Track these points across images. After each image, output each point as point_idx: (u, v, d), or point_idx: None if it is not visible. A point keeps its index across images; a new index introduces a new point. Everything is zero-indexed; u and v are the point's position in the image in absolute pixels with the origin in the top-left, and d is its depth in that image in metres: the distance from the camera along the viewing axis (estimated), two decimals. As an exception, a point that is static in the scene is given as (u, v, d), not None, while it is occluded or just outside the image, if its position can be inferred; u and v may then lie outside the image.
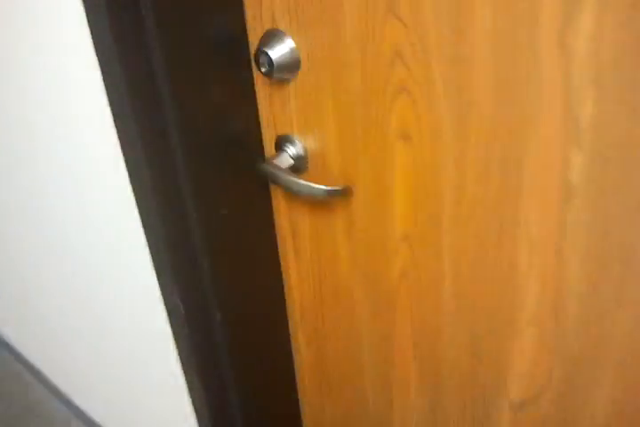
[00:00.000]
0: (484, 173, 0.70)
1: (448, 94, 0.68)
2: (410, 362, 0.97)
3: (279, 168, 0.86)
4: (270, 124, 0.89)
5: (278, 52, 0.78)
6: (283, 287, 1.09)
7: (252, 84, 0.86)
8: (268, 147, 0.92)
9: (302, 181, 0.83)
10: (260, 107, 0.88)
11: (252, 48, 0.83)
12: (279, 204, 0.98)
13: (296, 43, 0.78)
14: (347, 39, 0.73)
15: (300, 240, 0.99)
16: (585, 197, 0.63)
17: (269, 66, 0.78)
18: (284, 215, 0.99)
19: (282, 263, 1.05)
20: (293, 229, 0.99)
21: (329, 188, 0.83)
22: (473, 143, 0.69)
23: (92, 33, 0.75)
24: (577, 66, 0.56)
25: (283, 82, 0.83)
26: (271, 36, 0.79)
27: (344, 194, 0.85)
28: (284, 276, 1.07)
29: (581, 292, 0.70)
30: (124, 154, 0.83)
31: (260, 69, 0.80)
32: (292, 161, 0.88)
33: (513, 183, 0.68)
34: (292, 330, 1.15)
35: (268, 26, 0.80)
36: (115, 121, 0.81)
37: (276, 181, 0.87)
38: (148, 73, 0.77)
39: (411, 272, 0.87)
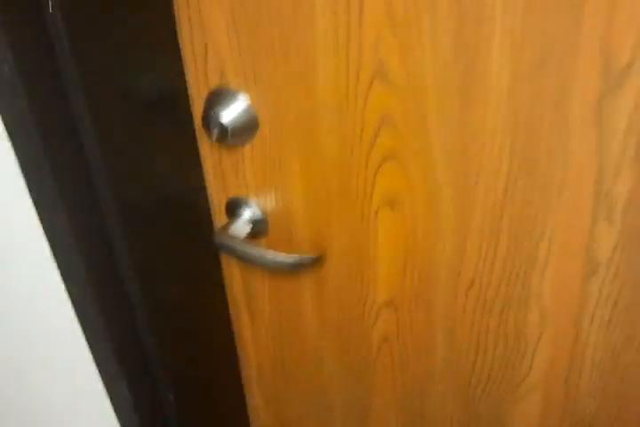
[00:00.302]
0: (491, 244, 0.63)
1: (449, 163, 0.60)
2: None
3: (235, 238, 0.75)
4: (219, 188, 0.78)
5: (231, 114, 0.67)
6: (238, 365, 0.98)
7: (196, 147, 0.74)
8: (218, 212, 0.80)
9: (266, 253, 0.73)
10: (206, 169, 0.77)
11: (195, 109, 0.71)
12: (232, 271, 0.87)
13: (252, 101, 0.67)
14: (319, 100, 0.63)
15: (256, 310, 0.89)
16: (611, 272, 0.58)
17: (221, 132, 0.67)
18: (238, 283, 0.88)
19: (237, 337, 0.95)
20: (249, 299, 0.88)
21: (297, 258, 0.73)
22: (478, 214, 0.62)
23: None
24: (615, 140, 0.50)
25: (236, 143, 0.72)
26: (220, 96, 0.67)
27: (315, 262, 0.76)
28: (239, 351, 0.97)
29: (599, 358, 0.66)
30: (49, 238, 0.69)
31: (210, 137, 0.68)
32: (248, 227, 0.77)
33: (526, 256, 0.62)
34: (249, 402, 1.04)
35: (214, 83, 0.68)
36: (37, 207, 0.67)
37: (234, 253, 0.76)
38: (76, 143, 0.63)
39: (394, 338, 0.79)
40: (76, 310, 0.78)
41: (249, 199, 0.76)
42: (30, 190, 0.67)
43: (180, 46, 0.66)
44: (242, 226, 0.76)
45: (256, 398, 1.04)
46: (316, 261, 0.75)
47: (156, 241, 0.76)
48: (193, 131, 0.73)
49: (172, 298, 0.83)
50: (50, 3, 0.54)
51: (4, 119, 0.62)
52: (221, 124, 0.66)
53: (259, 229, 0.78)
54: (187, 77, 0.68)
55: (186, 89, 0.69)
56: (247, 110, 0.67)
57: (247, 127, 0.68)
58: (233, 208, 0.78)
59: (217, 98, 0.67)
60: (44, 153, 0.63)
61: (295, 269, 0.76)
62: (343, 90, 0.60)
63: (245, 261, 0.75)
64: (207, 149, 0.74)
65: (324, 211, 0.72)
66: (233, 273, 0.87)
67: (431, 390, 0.81)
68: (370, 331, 0.80)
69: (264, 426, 1.08)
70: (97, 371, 0.85)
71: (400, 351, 0.80)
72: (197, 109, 0.71)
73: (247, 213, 0.77)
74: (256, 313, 0.89)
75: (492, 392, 0.76)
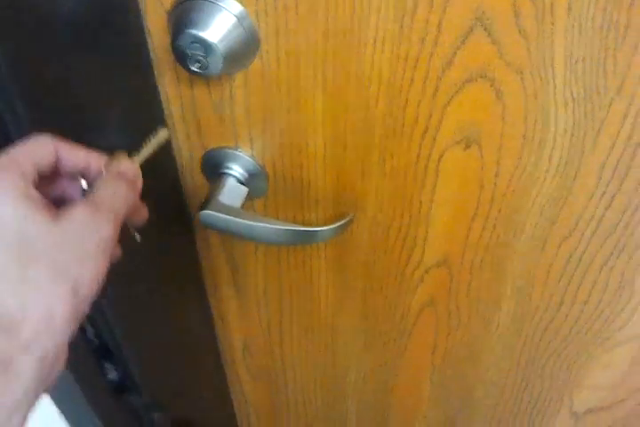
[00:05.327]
0: (602, 185, 0.46)
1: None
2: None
3: (228, 208, 0.53)
4: (193, 139, 0.54)
5: (220, 29, 0.43)
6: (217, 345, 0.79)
7: (153, 85, 0.50)
8: (190, 172, 0.58)
9: (288, 226, 0.52)
10: (171, 115, 0.53)
11: (151, 26, 0.46)
12: (209, 242, 0.65)
13: (247, 6, 0.44)
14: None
15: (245, 282, 0.69)
16: None
17: (209, 58, 0.43)
18: (218, 255, 0.67)
19: (216, 313, 0.75)
20: (234, 271, 0.67)
21: (331, 225, 0.53)
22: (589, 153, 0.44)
23: None
24: None
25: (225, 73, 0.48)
26: (197, 5, 0.43)
27: (345, 227, 0.56)
28: (218, 328, 0.77)
29: None
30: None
31: (187, 66, 0.44)
32: (244, 189, 0.55)
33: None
34: (232, 379, 0.87)
35: (183, -16, 0.43)
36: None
37: (226, 229, 0.53)
38: None
39: (442, 301, 0.63)
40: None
41: (239, 149, 0.54)
42: None
43: None
44: (236, 188, 0.54)
45: (241, 375, 0.86)
46: (347, 225, 0.56)
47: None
48: (147, 60, 0.48)
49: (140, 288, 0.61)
50: None
51: None
52: (209, 46, 0.42)
53: (253, 189, 0.56)
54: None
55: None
56: (242, 22, 0.44)
57: (244, 47, 0.45)
58: (214, 165, 0.55)
59: (192, 8, 0.43)
60: None
61: (324, 240, 0.56)
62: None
63: (247, 238, 0.53)
64: (172, 87, 0.50)
65: (357, 155, 0.52)
66: (211, 244, 0.65)
67: (481, 358, 0.67)
68: (409, 296, 0.63)
69: (252, 402, 0.91)
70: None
71: (449, 315, 0.64)
72: (155, 27, 0.46)
73: (238, 170, 0.55)
74: (244, 286, 0.70)
75: (567, 350, 0.63)
